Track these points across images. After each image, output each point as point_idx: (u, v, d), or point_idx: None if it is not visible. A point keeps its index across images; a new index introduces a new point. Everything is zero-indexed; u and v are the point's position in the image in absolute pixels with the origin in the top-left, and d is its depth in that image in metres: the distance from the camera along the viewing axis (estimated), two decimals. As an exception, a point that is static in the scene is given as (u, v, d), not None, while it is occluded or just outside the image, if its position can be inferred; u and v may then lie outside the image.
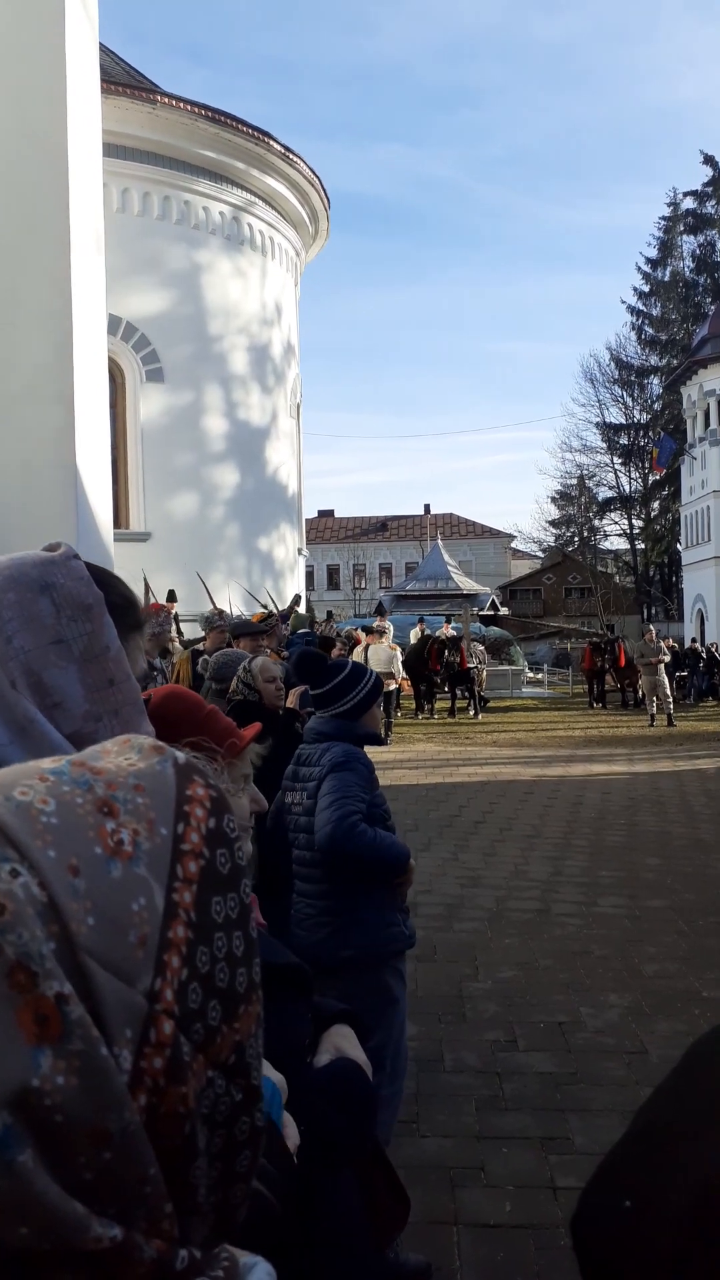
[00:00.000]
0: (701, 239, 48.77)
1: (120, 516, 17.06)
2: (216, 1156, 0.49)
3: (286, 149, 20.32)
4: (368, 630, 17.01)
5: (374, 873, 3.16)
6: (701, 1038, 0.70)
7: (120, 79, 17.73)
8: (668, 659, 19.14)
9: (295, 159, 20.66)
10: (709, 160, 47.60)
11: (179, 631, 13.17)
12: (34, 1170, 0.41)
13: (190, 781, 0.52)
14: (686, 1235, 0.57)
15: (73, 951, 0.43)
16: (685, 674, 23.54)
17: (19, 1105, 0.40)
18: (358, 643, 15.55)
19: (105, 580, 1.06)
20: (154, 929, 0.46)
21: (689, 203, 48.62)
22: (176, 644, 11.49)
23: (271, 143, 19.84)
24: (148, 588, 12.63)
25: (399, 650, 16.14)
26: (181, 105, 17.96)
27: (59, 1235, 0.41)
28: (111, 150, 15.91)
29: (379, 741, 3.51)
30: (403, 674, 16.12)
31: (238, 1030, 0.50)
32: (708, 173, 47.86)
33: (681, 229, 49.16)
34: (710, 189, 47.82)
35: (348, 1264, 1.52)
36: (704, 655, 24.19)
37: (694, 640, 27.98)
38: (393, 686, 15.30)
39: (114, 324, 16.56)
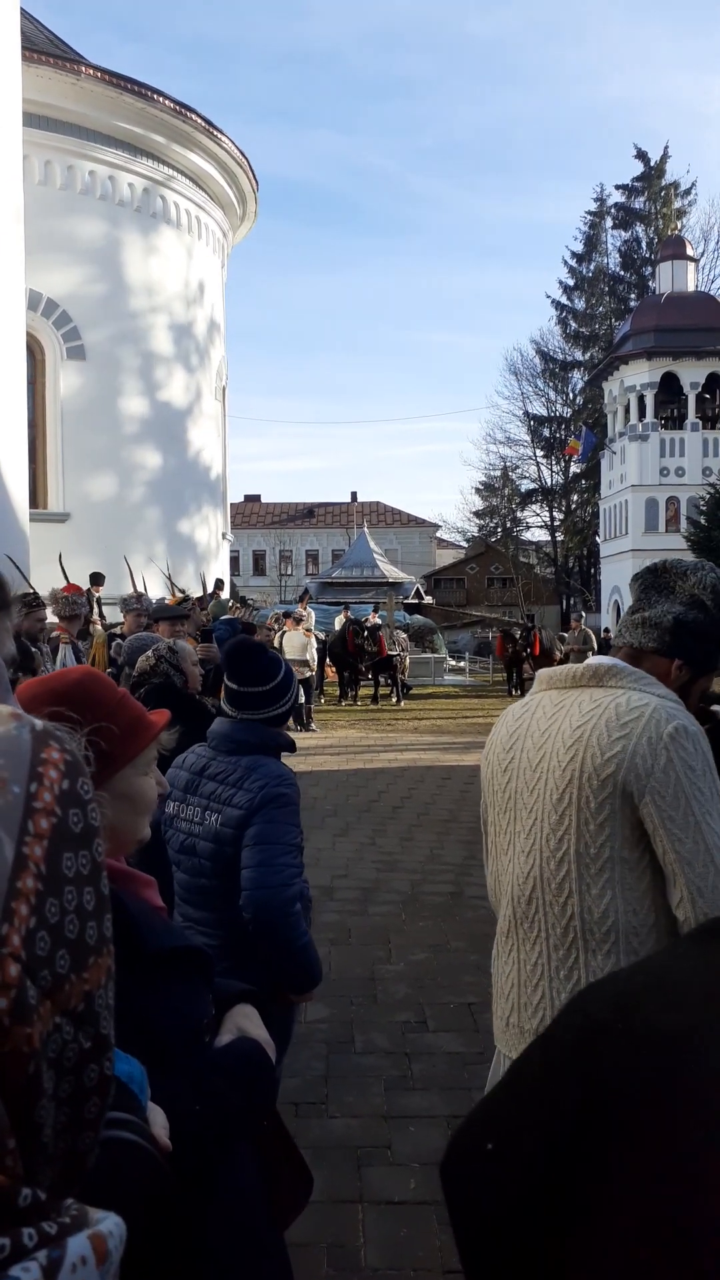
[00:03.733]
0: (628, 235, 49.54)
1: (37, 496, 16.73)
2: (64, 1102, 0.51)
3: (213, 127, 20.07)
4: (289, 617, 16.99)
5: (280, 968, 2.65)
6: (573, 998, 0.75)
7: (44, 48, 17.28)
8: (595, 648, 19.65)
9: (222, 138, 20.42)
10: (641, 155, 48.23)
11: (100, 615, 12.98)
12: None
13: (46, 746, 0.55)
14: (539, 1173, 0.62)
15: None
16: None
17: None
18: (287, 630, 15.54)
19: None
20: (2, 879, 0.49)
21: (618, 196, 49.28)
22: (98, 627, 11.34)
23: (199, 120, 19.57)
24: (64, 570, 12.41)
25: (314, 638, 16.12)
26: (107, 78, 17.60)
27: None
28: (34, 121, 15.54)
29: (292, 748, 3.05)
30: (315, 663, 16.08)
31: (87, 980, 0.52)
32: (638, 168, 48.59)
33: (610, 223, 49.84)
34: (641, 184, 48.52)
35: (244, 1241, 1.54)
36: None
37: (606, 630, 28.63)
38: (306, 674, 15.30)
39: (34, 299, 16.18)
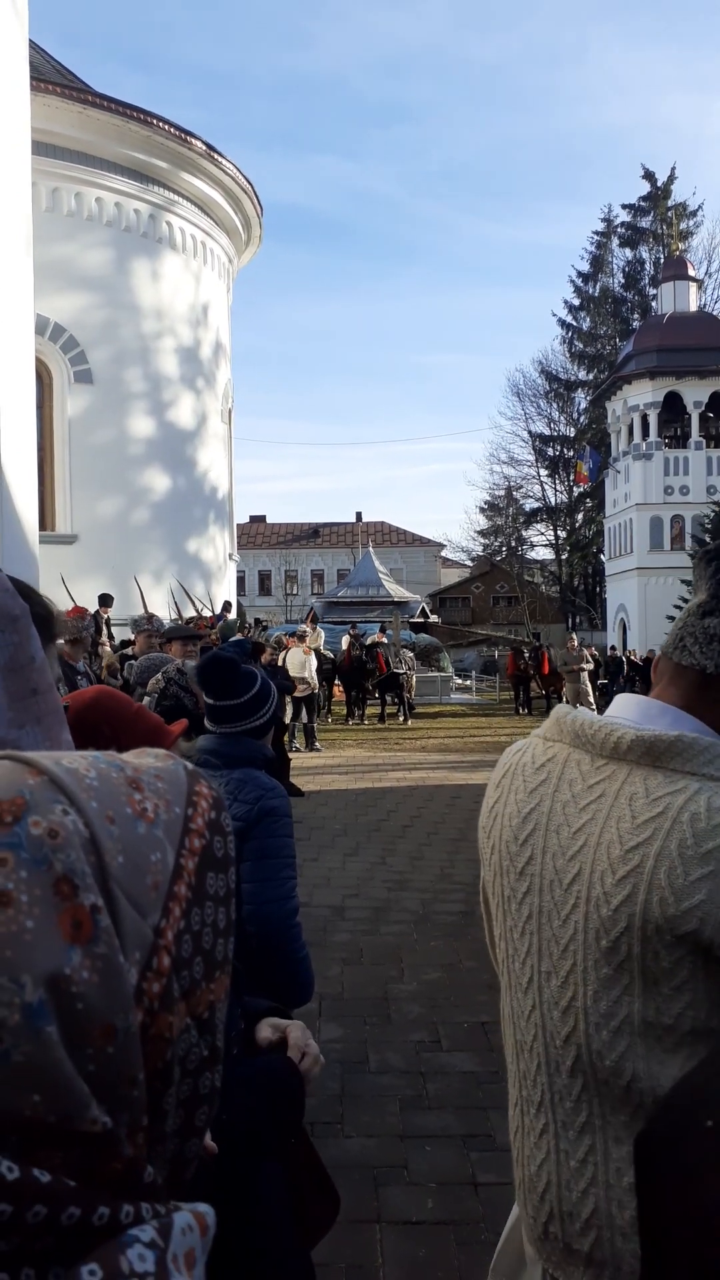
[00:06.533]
0: (632, 255, 49.86)
1: (46, 518, 16.80)
2: (181, 1104, 0.57)
3: (219, 153, 20.29)
4: (292, 635, 16.96)
5: (278, 982, 2.62)
6: None
7: (51, 77, 17.52)
8: (590, 666, 19.52)
9: (225, 162, 20.63)
10: (648, 175, 48.53)
11: (110, 635, 13.03)
12: (56, 1043, 0.48)
13: (198, 781, 0.65)
14: None
15: (105, 878, 0.53)
16: (606, 681, 24.03)
17: (51, 987, 0.49)
18: (289, 648, 15.50)
19: (27, 593, 1.08)
20: (164, 880, 0.57)
21: (624, 216, 49.62)
22: (107, 648, 11.39)
23: (201, 145, 19.78)
24: (68, 592, 12.48)
25: (314, 655, 16.05)
26: (112, 105, 17.82)
27: (64, 1109, 0.48)
28: (42, 149, 15.71)
29: (273, 762, 3.00)
30: (315, 681, 15.96)
31: (213, 991, 0.59)
32: (642, 189, 48.89)
33: (616, 242, 50.14)
34: (647, 204, 48.84)
35: (272, 1259, 1.55)
36: (625, 663, 24.73)
37: (612, 648, 28.60)
38: (305, 692, 15.23)
39: (41, 324, 16.31)
